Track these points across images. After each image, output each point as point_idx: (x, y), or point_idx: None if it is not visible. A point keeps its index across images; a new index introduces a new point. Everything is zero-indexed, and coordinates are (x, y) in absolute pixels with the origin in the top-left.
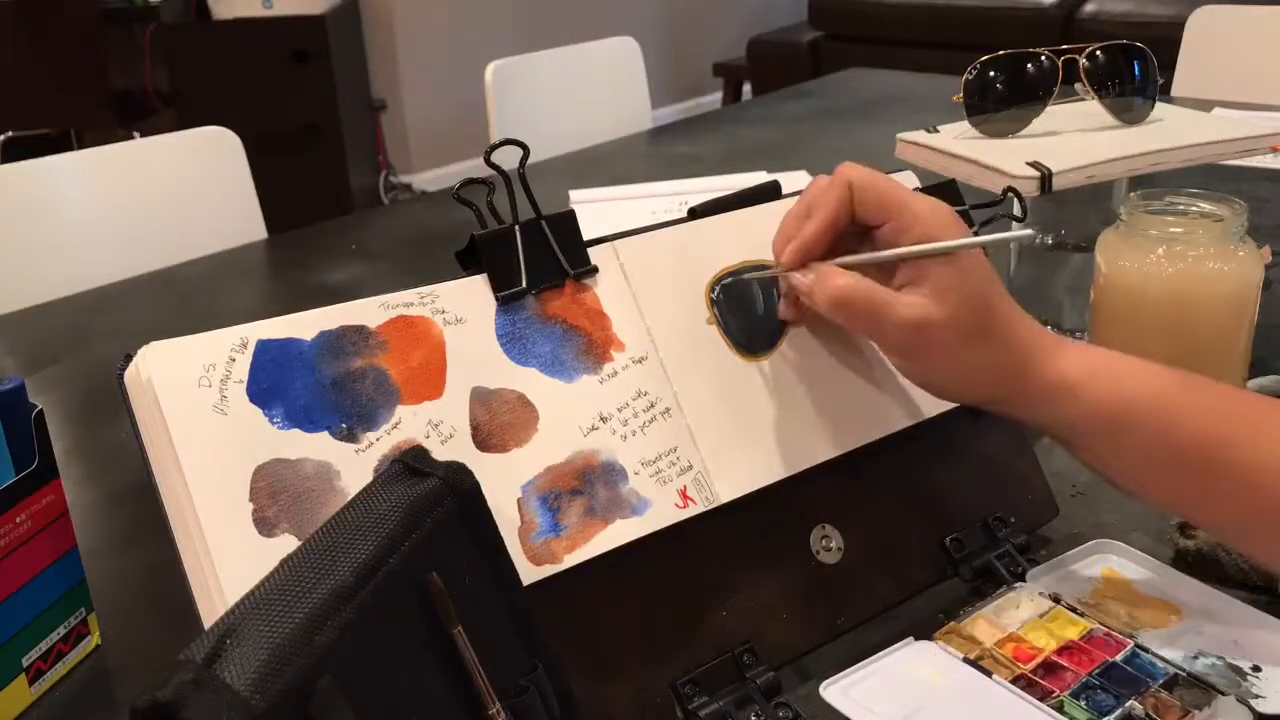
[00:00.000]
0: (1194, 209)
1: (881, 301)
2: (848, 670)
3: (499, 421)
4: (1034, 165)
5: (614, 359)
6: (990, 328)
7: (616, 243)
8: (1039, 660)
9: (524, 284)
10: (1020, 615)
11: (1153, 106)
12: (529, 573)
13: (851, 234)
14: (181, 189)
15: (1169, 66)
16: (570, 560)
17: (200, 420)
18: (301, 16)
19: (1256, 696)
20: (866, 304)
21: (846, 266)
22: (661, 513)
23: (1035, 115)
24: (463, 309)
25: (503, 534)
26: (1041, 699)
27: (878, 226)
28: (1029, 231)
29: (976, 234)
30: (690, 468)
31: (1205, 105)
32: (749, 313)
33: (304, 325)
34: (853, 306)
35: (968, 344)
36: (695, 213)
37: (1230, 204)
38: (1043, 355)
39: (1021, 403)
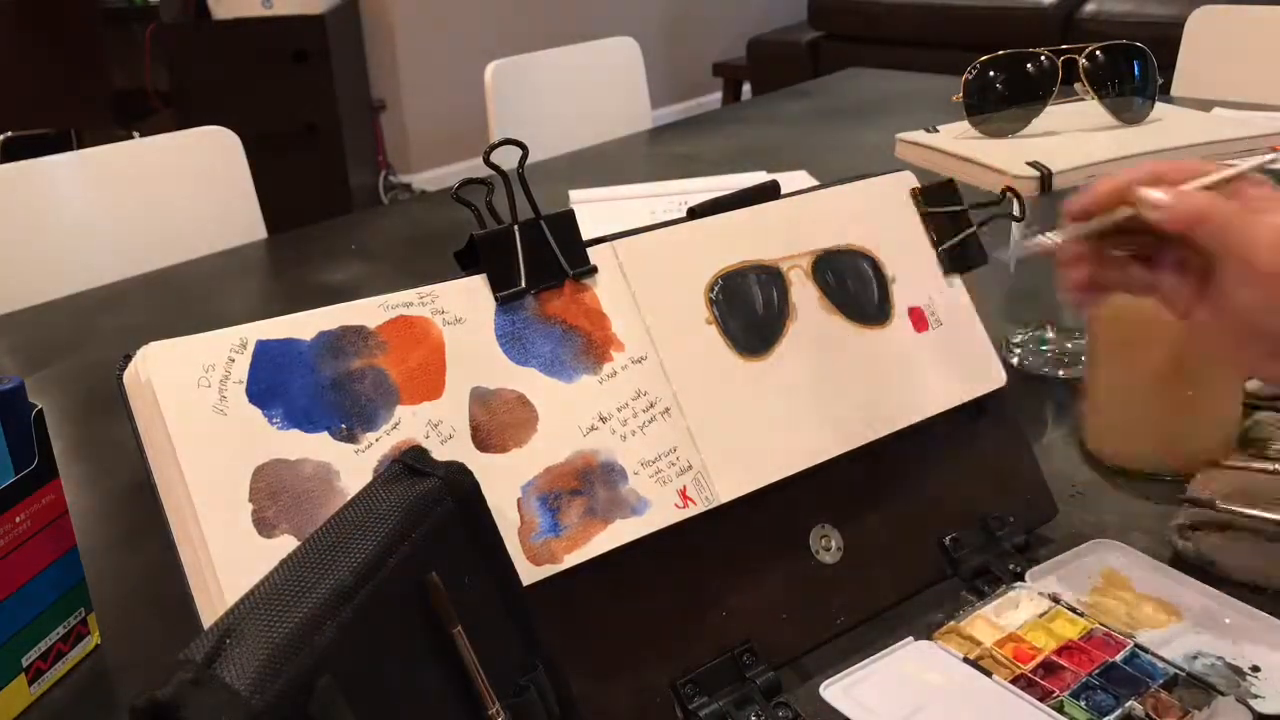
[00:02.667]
0: None
1: (1244, 211)
2: (847, 670)
3: (498, 421)
4: (1034, 165)
5: (613, 359)
6: None
7: (616, 243)
8: (1038, 660)
9: (523, 284)
10: (1020, 615)
11: (1152, 106)
12: (529, 573)
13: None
14: (181, 189)
15: (1169, 66)
16: (570, 560)
17: (200, 421)
18: (301, 16)
19: (1256, 696)
20: (1230, 214)
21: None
22: (661, 513)
23: (1035, 115)
24: (462, 309)
25: (503, 534)
26: (1041, 699)
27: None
28: None
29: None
30: (690, 468)
31: (1205, 105)
32: (749, 313)
33: (303, 325)
34: (1218, 217)
35: None
36: (695, 213)
37: None
38: None
39: None
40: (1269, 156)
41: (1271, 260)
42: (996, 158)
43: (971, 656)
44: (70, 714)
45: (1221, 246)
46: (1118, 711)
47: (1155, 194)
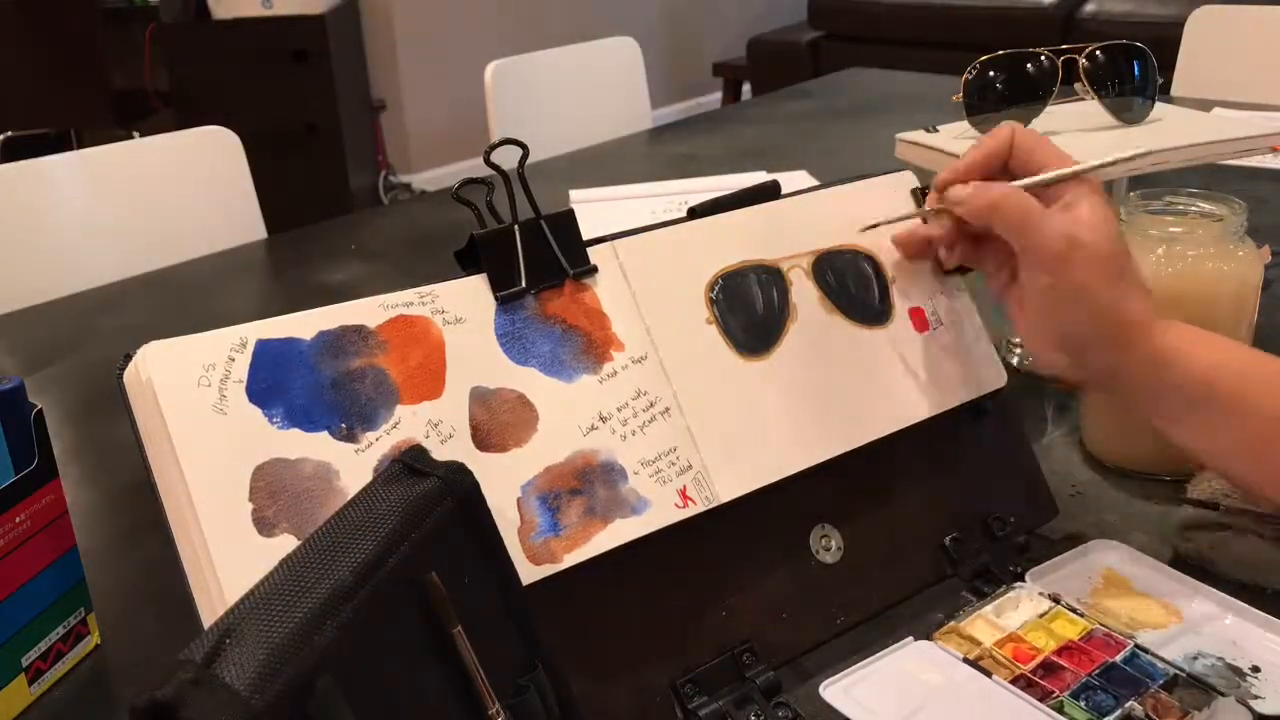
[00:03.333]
0: (1194, 209)
1: (1036, 208)
2: (847, 670)
3: (498, 421)
4: None
5: (613, 359)
6: (1123, 272)
7: (616, 242)
8: (1039, 660)
9: (523, 284)
10: (1020, 615)
11: (1152, 106)
12: (529, 573)
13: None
14: (181, 189)
15: (1169, 66)
16: (570, 560)
17: (200, 420)
18: (301, 16)
19: (1256, 697)
20: (1021, 210)
21: None
22: (661, 512)
23: (1035, 115)
24: (462, 309)
25: (502, 534)
26: (1041, 699)
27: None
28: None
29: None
30: (690, 467)
31: (1205, 105)
32: (749, 313)
33: (303, 325)
34: (1008, 211)
35: (1104, 276)
36: (695, 212)
37: (1230, 204)
38: (1148, 324)
39: (1122, 362)
40: (1106, 159)
41: (1056, 248)
42: None
43: (971, 656)
44: (70, 714)
45: (1015, 234)
46: (1118, 712)
47: (958, 190)
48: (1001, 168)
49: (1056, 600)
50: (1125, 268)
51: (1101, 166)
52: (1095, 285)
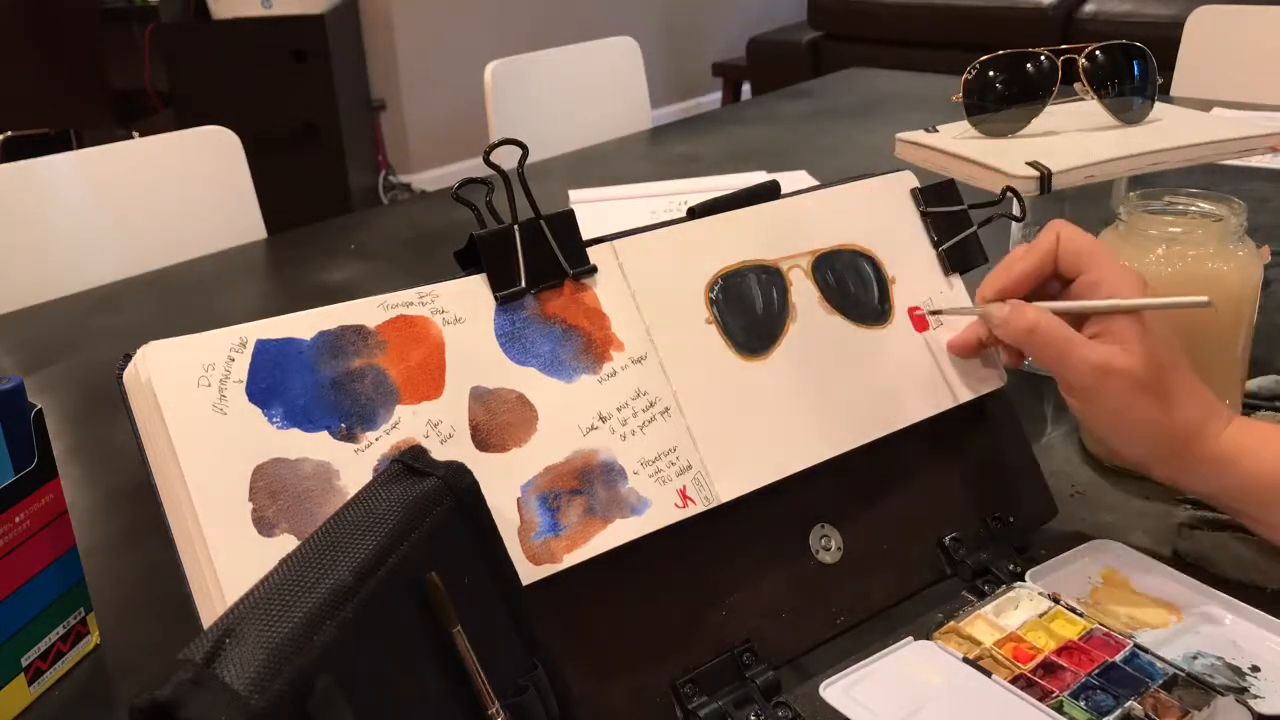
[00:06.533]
0: (1193, 209)
1: (1069, 338)
2: (847, 670)
3: (498, 421)
4: (1033, 165)
5: (613, 359)
6: (1166, 388)
7: (616, 242)
8: (1038, 660)
9: (523, 284)
10: (1019, 615)
11: (1152, 106)
12: (529, 573)
13: (1051, 290)
14: (181, 189)
15: (1169, 66)
16: (570, 560)
17: (199, 420)
18: (301, 16)
19: (1256, 697)
20: (1055, 337)
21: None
22: (661, 512)
23: (1035, 115)
24: (462, 309)
25: (502, 534)
26: (1041, 699)
27: (1073, 279)
28: (1205, 299)
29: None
30: (690, 467)
31: (1205, 105)
32: (749, 312)
33: (303, 325)
34: (1042, 337)
35: (1142, 397)
36: (694, 212)
37: (1230, 204)
38: (1211, 426)
39: (1185, 469)
40: (1125, 303)
41: (1087, 381)
42: (996, 158)
43: (971, 656)
44: (70, 714)
45: (1049, 363)
46: (1117, 712)
47: (997, 310)
48: (1052, 271)
49: (1056, 600)
50: (1168, 380)
51: (1145, 306)
52: (1131, 408)
